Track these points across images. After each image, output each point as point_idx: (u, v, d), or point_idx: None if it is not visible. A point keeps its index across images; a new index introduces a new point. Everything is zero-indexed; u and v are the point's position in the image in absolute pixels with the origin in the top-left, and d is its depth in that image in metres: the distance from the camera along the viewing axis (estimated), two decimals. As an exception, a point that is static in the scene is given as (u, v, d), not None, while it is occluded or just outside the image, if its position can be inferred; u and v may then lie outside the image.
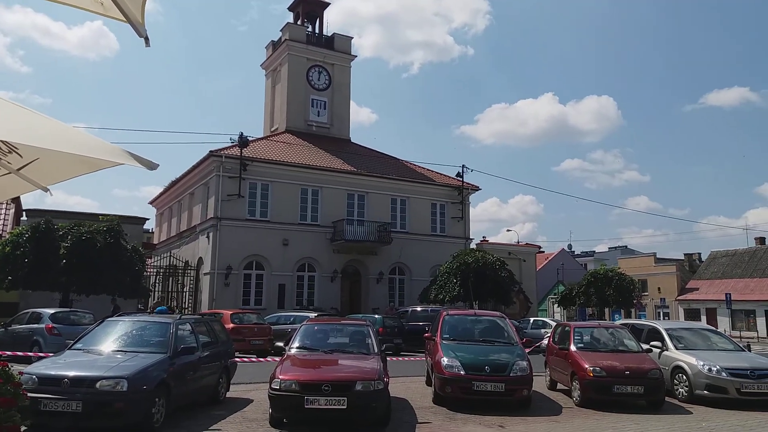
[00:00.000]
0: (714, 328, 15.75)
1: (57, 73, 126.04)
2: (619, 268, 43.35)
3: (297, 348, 9.70)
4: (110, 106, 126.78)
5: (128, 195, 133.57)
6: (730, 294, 43.04)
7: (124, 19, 2.20)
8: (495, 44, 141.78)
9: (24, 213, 30.54)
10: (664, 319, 50.94)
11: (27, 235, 21.49)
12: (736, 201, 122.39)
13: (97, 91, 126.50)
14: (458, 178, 36.14)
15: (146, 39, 2.36)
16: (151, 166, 3.09)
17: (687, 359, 11.74)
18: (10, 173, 3.93)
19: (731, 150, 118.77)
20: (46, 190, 4.43)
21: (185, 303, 30.97)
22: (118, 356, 8.41)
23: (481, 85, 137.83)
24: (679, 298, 54.16)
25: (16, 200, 31.74)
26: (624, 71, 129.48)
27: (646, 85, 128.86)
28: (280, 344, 10.63)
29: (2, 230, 27.06)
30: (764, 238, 55.32)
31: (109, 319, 10.11)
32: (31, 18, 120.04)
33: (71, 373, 7.58)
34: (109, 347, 8.82)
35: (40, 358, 11.27)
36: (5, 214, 28.71)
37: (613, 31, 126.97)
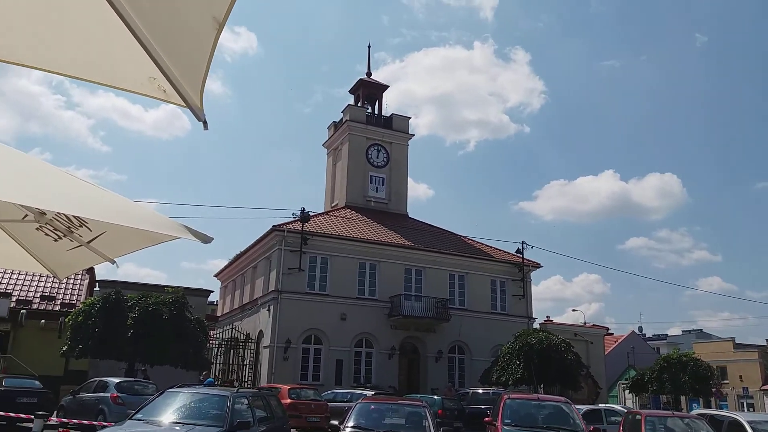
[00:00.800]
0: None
1: (133, 152, 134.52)
2: (695, 353, 40.75)
3: (352, 427, 9.51)
4: (181, 184, 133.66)
5: (195, 267, 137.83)
6: (821, 385, 39.49)
7: (185, 105, 2.34)
8: (551, 122, 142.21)
9: (97, 284, 31.95)
10: (747, 410, 46.99)
11: (98, 306, 22.37)
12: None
13: (169, 169, 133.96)
14: (518, 254, 35.55)
15: (204, 123, 2.49)
16: (206, 239, 3.22)
17: (775, 457, 10.72)
18: (81, 246, 4.17)
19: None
20: (113, 262, 4.66)
21: (245, 376, 31.06)
22: (177, 428, 8.46)
23: (539, 162, 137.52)
24: (764, 387, 50.05)
25: (90, 271, 33.30)
26: (687, 147, 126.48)
27: (711, 162, 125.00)
28: (336, 422, 10.43)
29: (77, 300, 28.28)
30: None
31: (170, 390, 10.25)
32: (112, 101, 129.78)
33: (130, 444, 7.65)
34: (168, 418, 8.91)
35: (104, 427, 11.45)
36: (80, 284, 30.08)
37: (673, 107, 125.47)
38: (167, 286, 27.70)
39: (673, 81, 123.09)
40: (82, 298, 27.89)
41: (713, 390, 35.07)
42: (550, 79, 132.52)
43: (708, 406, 42.53)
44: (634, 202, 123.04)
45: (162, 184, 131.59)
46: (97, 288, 31.50)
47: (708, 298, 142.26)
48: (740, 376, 51.36)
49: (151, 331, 21.97)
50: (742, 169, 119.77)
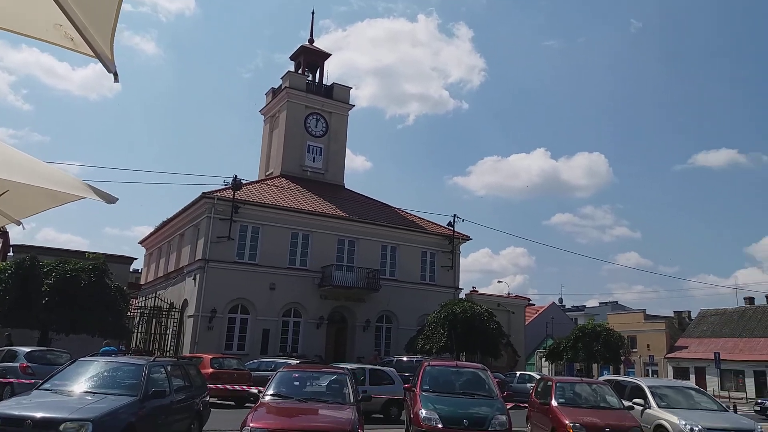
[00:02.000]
0: (698, 387, 15.59)
1: (58, 112, 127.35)
2: (608, 323, 43.17)
3: (271, 395, 9.52)
4: (109, 147, 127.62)
5: (119, 234, 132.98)
6: (719, 353, 42.73)
7: (93, 55, 2.26)
8: (489, 100, 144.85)
9: (11, 249, 30.36)
10: (653, 376, 50.38)
11: (10, 272, 21.29)
12: (725, 260, 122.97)
13: (96, 132, 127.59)
14: (449, 227, 36.27)
15: (115, 74, 2.42)
16: (110, 199, 3.16)
17: (669, 418, 11.59)
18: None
19: (720, 209, 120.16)
20: (18, 223, 4.49)
21: (167, 345, 30.46)
22: (87, 398, 8.21)
23: (475, 139, 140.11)
24: (669, 355, 53.72)
25: (4, 236, 31.57)
26: (615, 129, 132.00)
27: (636, 144, 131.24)
28: (256, 390, 10.42)
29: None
30: (753, 298, 55.35)
31: (82, 359, 9.94)
32: (36, 57, 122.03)
33: (35, 414, 7.39)
34: (79, 388, 8.63)
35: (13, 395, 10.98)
36: (-9, 249, 28.50)
37: (605, 90, 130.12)
38: (88, 253, 26.69)
39: (607, 64, 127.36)
40: (-8, 264, 26.40)
41: (623, 358, 37.31)
42: (490, 57, 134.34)
43: (618, 373, 45.32)
44: (563, 179, 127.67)
45: (88, 147, 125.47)
46: (11, 253, 29.96)
47: (624, 272, 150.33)
48: (648, 345, 54.85)
49: (68, 298, 21.14)
50: (664, 151, 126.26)
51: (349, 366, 15.95)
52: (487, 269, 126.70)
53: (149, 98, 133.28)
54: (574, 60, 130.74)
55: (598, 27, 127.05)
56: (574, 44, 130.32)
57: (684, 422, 11.24)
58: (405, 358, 25.77)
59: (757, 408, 29.66)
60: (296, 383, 10.16)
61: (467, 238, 37.83)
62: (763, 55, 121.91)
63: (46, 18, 2.02)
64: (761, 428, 11.57)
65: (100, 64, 2.25)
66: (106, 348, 17.96)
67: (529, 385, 23.75)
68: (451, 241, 36.48)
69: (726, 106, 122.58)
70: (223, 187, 29.88)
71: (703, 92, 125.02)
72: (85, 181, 3.29)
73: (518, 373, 30.76)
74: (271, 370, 20.65)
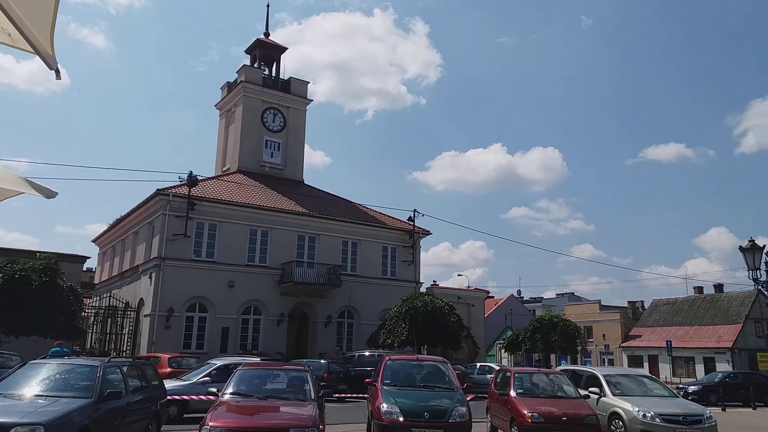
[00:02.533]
0: (651, 375, 16.13)
1: (3, 106, 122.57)
2: (565, 314, 44.15)
3: (231, 394, 9.41)
4: (58, 143, 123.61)
5: (72, 232, 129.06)
6: (670, 341, 44.24)
7: (32, 51, 2.18)
8: (446, 95, 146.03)
9: (-45, 249, 29.13)
10: (608, 365, 51.81)
11: (-45, 272, 20.44)
12: (676, 251, 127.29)
13: (44, 127, 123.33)
14: (409, 222, 36.45)
15: (57, 72, 2.34)
16: (49, 194, 3.07)
17: (623, 405, 11.94)
18: None
19: (669, 202, 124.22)
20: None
21: (124, 345, 29.74)
22: (39, 401, 7.97)
23: (433, 134, 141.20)
24: (623, 344, 55.30)
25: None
26: (568, 125, 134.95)
27: (589, 139, 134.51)
28: (214, 389, 10.26)
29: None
30: (702, 288, 57.45)
31: (33, 362, 9.62)
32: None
33: (-16, 420, 7.12)
34: (30, 391, 8.38)
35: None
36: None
37: (558, 86, 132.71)
38: (39, 252, 25.83)
39: (559, 61, 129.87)
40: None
41: (579, 348, 38.23)
42: (446, 52, 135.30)
43: (575, 362, 46.43)
44: (519, 174, 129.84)
45: (35, 143, 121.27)
46: (-46, 254, 28.71)
47: (579, 264, 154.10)
48: (603, 335, 56.34)
49: (17, 299, 20.41)
50: (616, 146, 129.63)
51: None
52: (447, 263, 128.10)
53: (99, 93, 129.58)
54: (527, 57, 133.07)
55: (550, 24, 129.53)
56: (527, 41, 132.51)
57: (637, 409, 11.60)
58: (367, 353, 25.84)
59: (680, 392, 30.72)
60: (256, 381, 10.08)
61: (427, 233, 38.09)
62: (709, 51, 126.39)
63: None
64: (710, 413, 12.02)
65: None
66: (57, 349, 17.28)
67: (489, 376, 24.09)
68: (412, 236, 36.67)
69: (674, 102, 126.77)
70: (179, 183, 29.30)
71: (652, 88, 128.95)
72: (24, 177, 3.18)
73: (478, 364, 31.19)
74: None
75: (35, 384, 8.59)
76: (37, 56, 2.21)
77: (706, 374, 37.58)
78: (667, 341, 44.41)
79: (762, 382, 26.92)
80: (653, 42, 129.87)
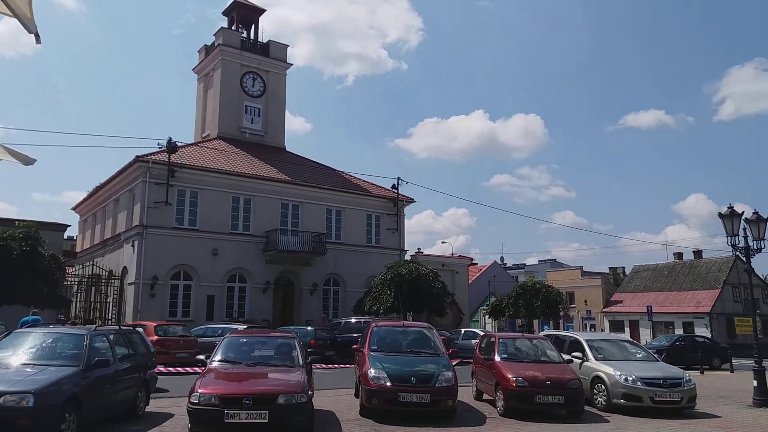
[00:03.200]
0: (632, 340, 16.46)
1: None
2: (548, 280, 44.75)
3: (219, 361, 9.44)
4: (29, 108, 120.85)
5: (50, 200, 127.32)
6: (651, 306, 45.12)
7: (11, 14, 2.08)
8: (428, 60, 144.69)
9: (-69, 217, 28.56)
10: (590, 330, 52.85)
11: (-68, 241, 20.08)
12: (655, 218, 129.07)
13: (14, 91, 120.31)
14: (393, 189, 36.43)
15: (36, 36, 2.24)
16: (27, 161, 2.98)
17: (605, 369, 12.19)
18: None
19: (649, 169, 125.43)
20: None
21: (109, 314, 29.66)
22: (27, 370, 7.93)
23: (415, 100, 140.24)
24: (605, 310, 56.35)
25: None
26: (549, 91, 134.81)
27: (570, 105, 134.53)
28: (202, 357, 10.30)
29: None
30: (682, 254, 58.52)
31: (18, 330, 9.55)
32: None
33: (-29, 389, 7.07)
34: (17, 360, 8.32)
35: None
36: None
37: (540, 52, 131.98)
38: (18, 220, 25.44)
39: (539, 25, 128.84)
40: None
41: (562, 313, 38.90)
42: (427, 16, 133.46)
43: (557, 327, 47.29)
44: (500, 141, 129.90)
45: (8, 108, 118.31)
46: (-70, 222, 28.18)
47: (561, 230, 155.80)
48: (585, 301, 57.30)
49: (-3, 268, 20.15)
50: (596, 113, 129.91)
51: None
52: (431, 230, 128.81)
53: (73, 56, 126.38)
54: (508, 21, 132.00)
55: None
56: (507, 4, 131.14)
57: (619, 373, 11.85)
58: (353, 320, 26.09)
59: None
60: (244, 348, 10.12)
61: (411, 201, 38.14)
62: (688, 18, 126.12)
63: None
64: (689, 376, 12.33)
65: (15, 20, 2.07)
66: (30, 318, 16.01)
67: (473, 341, 24.44)
68: (396, 204, 36.69)
69: (654, 69, 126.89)
70: (158, 150, 28.85)
71: (632, 54, 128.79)
72: (2, 144, 3.08)
73: (463, 330, 31.65)
74: (218, 336, 20.51)
75: (22, 353, 8.52)
76: (15, 19, 2.11)
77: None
78: (647, 306, 45.31)
79: (708, 346, 28.03)
80: (633, 9, 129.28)
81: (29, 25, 2.14)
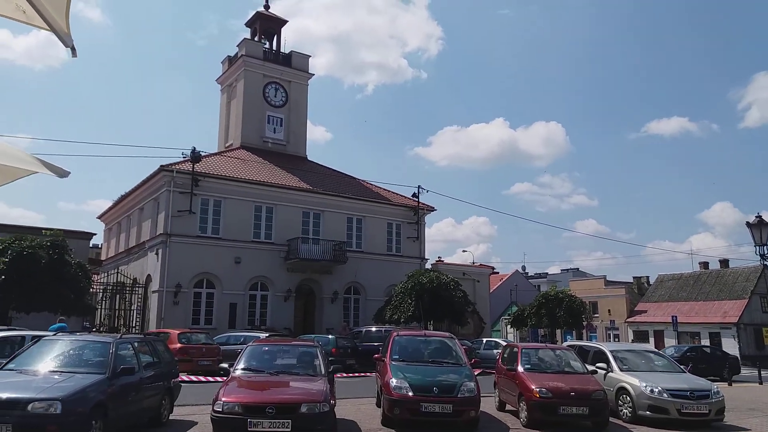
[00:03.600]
0: (657, 350, 16.20)
1: (1, 82, 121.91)
2: (570, 290, 44.26)
3: (242, 369, 9.51)
4: (56, 119, 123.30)
5: (75, 208, 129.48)
6: (676, 317, 44.25)
7: (48, 28, 2.13)
8: (447, 69, 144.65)
9: (-38, 226, 29.25)
10: (614, 340, 52.09)
11: (-37, 250, 20.56)
12: (680, 226, 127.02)
13: (42, 102, 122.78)
14: (414, 198, 36.42)
15: (72, 49, 2.29)
16: (62, 173, 3.04)
17: (631, 380, 12.00)
18: None
19: (673, 177, 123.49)
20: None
21: (133, 321, 30.03)
22: (54, 377, 8.06)
23: (435, 109, 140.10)
24: (629, 320, 55.50)
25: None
26: (570, 99, 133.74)
27: (591, 113, 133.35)
28: (226, 365, 10.39)
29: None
30: (708, 263, 57.43)
31: (46, 338, 9.72)
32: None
33: (2, 395, 7.21)
34: (45, 367, 8.46)
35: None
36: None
37: (560, 59, 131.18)
38: (45, 229, 25.93)
39: (560, 32, 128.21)
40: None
41: (585, 323, 38.43)
42: (447, 25, 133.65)
43: (580, 338, 46.72)
44: (521, 149, 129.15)
45: (34, 118, 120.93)
46: (-39, 231, 28.85)
47: (583, 239, 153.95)
48: (609, 310, 56.49)
49: (26, 276, 20.55)
50: (618, 120, 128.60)
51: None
52: (451, 239, 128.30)
53: (98, 68, 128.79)
54: (528, 29, 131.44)
55: None
56: (527, 12, 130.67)
57: (645, 384, 11.66)
58: (374, 329, 26.05)
59: None
60: (266, 356, 10.17)
61: (432, 209, 38.09)
62: (712, 23, 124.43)
63: None
64: (717, 388, 12.09)
65: (44, 33, 2.12)
66: (57, 325, 16.59)
67: (495, 351, 24.29)
68: (416, 212, 36.67)
69: (677, 75, 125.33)
70: (182, 159, 29.24)
71: (654, 61, 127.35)
72: (35, 155, 3.15)
73: (485, 339, 31.40)
74: (240, 344, 20.64)
75: (49, 360, 8.67)
76: (53, 33, 2.16)
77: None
78: (672, 316, 44.43)
79: (719, 357, 27.71)
80: (655, 14, 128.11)
81: (65, 39, 2.18)
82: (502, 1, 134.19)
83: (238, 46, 38.55)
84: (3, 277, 20.24)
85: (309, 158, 38.75)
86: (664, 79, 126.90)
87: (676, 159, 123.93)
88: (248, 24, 41.08)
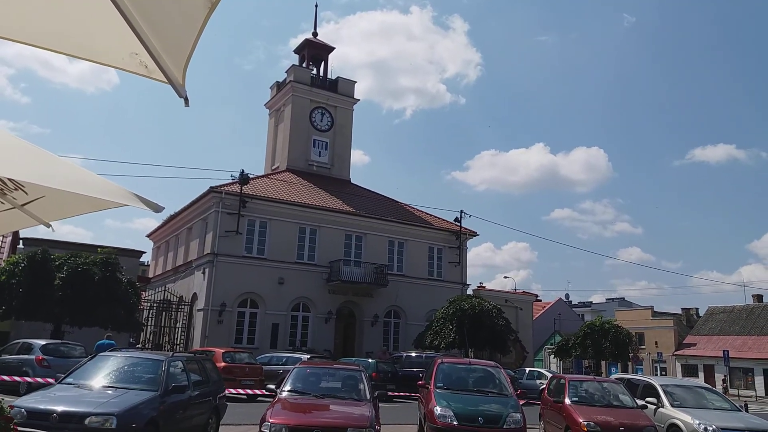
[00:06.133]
0: (710, 386, 15.62)
1: (56, 104, 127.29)
2: (616, 320, 43.10)
3: (288, 391, 9.59)
4: (108, 140, 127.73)
5: (121, 227, 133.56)
6: (727, 351, 42.55)
7: (166, 81, 2.28)
8: (486, 94, 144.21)
9: (21, 241, 30.51)
10: (661, 374, 50.36)
11: (23, 265, 21.43)
12: (729, 256, 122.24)
13: (95, 124, 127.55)
14: (456, 222, 36.30)
15: (186, 99, 2.43)
16: (157, 208, 3.19)
17: (683, 417, 11.60)
18: (14, 208, 4.00)
19: (720, 205, 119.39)
20: (48, 225, 4.51)
21: (178, 339, 30.64)
22: (109, 392, 8.33)
23: (472, 134, 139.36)
24: (677, 353, 53.63)
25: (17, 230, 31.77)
26: (612, 124, 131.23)
27: (634, 139, 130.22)
28: (272, 386, 10.52)
29: (-1, 258, 26.96)
30: (762, 296, 55.17)
31: (102, 354, 10.04)
32: (31, 49, 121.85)
33: (60, 408, 7.50)
34: (100, 382, 8.75)
35: (30, 389, 11.12)
36: (2, 242, 28.66)
37: (600, 84, 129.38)
38: (99, 246, 26.81)
39: (601, 59, 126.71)
40: (4, 257, 26.61)
41: (631, 355, 37.29)
42: (486, 51, 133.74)
43: (626, 370, 45.33)
44: (562, 174, 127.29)
45: (88, 140, 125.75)
46: (21, 246, 30.12)
47: (627, 267, 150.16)
48: (656, 342, 54.73)
49: (80, 292, 21.27)
50: (662, 147, 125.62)
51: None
52: (490, 264, 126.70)
53: (148, 91, 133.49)
54: (568, 55, 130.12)
55: (591, 22, 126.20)
56: (567, 39, 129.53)
57: (698, 422, 11.25)
58: (414, 354, 25.88)
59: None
60: (312, 379, 10.24)
61: (474, 234, 37.87)
62: (759, 49, 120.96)
63: (123, 47, 2.05)
64: (775, 428, 11.57)
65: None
66: (105, 341, 17.13)
67: (538, 381, 23.85)
68: (458, 237, 36.51)
69: (722, 101, 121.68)
70: (230, 181, 29.99)
71: (698, 87, 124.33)
72: (130, 191, 3.32)
73: (528, 369, 30.83)
74: (282, 365, 20.84)
75: (105, 375, 8.96)
76: (169, 85, 2.29)
77: (765, 387, 36.15)
78: (723, 351, 42.74)
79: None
80: (700, 40, 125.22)
81: (180, 90, 2.31)
82: (541, 28, 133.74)
83: (286, 72, 39.50)
84: (60, 293, 20.98)
85: (352, 181, 39.18)
86: (707, 106, 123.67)
87: (724, 187, 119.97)
88: (297, 51, 42.15)
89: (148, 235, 42.91)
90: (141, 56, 2.08)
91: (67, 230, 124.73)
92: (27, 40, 2.23)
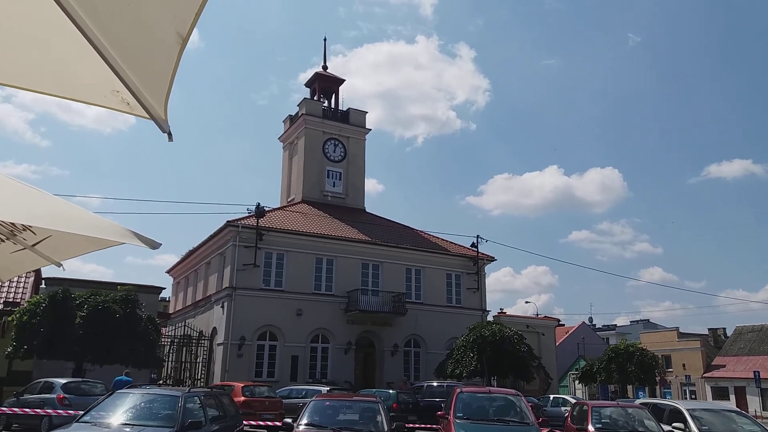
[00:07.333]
0: (740, 410, 15.14)
1: (74, 146, 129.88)
2: (641, 342, 42.29)
3: (306, 425, 9.51)
4: (126, 179, 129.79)
5: (142, 263, 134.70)
6: (758, 372, 41.47)
7: (148, 117, 2.33)
8: (496, 119, 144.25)
9: (43, 281, 30.92)
10: (690, 397, 49.06)
11: (44, 305, 21.69)
12: (753, 274, 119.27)
13: (113, 164, 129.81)
14: (473, 248, 36.11)
15: (169, 134, 2.48)
16: (153, 245, 3.23)
17: (712, 443, 11.26)
18: (25, 249, 4.11)
19: (740, 221, 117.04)
20: (59, 265, 4.62)
21: (198, 374, 30.62)
22: (126, 429, 8.32)
23: (484, 158, 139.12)
24: (706, 375, 52.27)
25: (36, 269, 32.22)
26: (624, 144, 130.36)
27: (648, 157, 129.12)
28: (289, 420, 10.45)
29: (21, 299, 27.32)
30: (791, 313, 53.79)
31: (119, 391, 10.07)
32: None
33: (77, 448, 7.49)
34: (117, 420, 8.75)
35: (51, 425, 11.12)
36: (25, 282, 29.07)
37: (612, 104, 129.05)
38: (118, 284, 27.05)
39: (609, 79, 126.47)
40: (27, 297, 26.95)
41: (658, 378, 36.47)
42: (494, 76, 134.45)
43: (653, 394, 44.22)
44: (577, 196, 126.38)
45: (106, 179, 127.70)
46: (43, 285, 30.50)
47: (649, 288, 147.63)
48: (683, 365, 53.45)
49: (100, 329, 21.42)
50: (676, 164, 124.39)
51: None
52: (510, 289, 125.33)
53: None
54: (576, 77, 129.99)
55: (596, 43, 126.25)
56: (573, 61, 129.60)
57: (727, 447, 10.92)
58: (435, 383, 25.53)
59: None
60: (329, 412, 10.17)
61: (492, 259, 37.62)
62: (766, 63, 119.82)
63: (104, 85, 2.11)
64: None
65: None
66: (122, 378, 17.76)
67: (563, 408, 23.36)
68: (476, 263, 36.28)
69: (735, 117, 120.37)
70: (247, 214, 30.27)
71: (708, 103, 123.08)
72: (128, 228, 3.39)
73: (552, 396, 30.24)
74: (301, 398, 20.67)
75: (122, 413, 8.96)
76: (152, 121, 2.35)
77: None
78: (754, 372, 41.66)
79: None
80: (706, 55, 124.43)
81: (163, 125, 2.36)
82: (546, 52, 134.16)
83: (298, 105, 40.09)
84: (81, 332, 21.15)
85: (366, 210, 39.32)
86: (719, 122, 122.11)
87: (743, 203, 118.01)
88: (308, 84, 42.81)
89: (168, 271, 43.27)
90: (122, 93, 2.13)
91: (89, 269, 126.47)
92: (9, 82, 2.30)
